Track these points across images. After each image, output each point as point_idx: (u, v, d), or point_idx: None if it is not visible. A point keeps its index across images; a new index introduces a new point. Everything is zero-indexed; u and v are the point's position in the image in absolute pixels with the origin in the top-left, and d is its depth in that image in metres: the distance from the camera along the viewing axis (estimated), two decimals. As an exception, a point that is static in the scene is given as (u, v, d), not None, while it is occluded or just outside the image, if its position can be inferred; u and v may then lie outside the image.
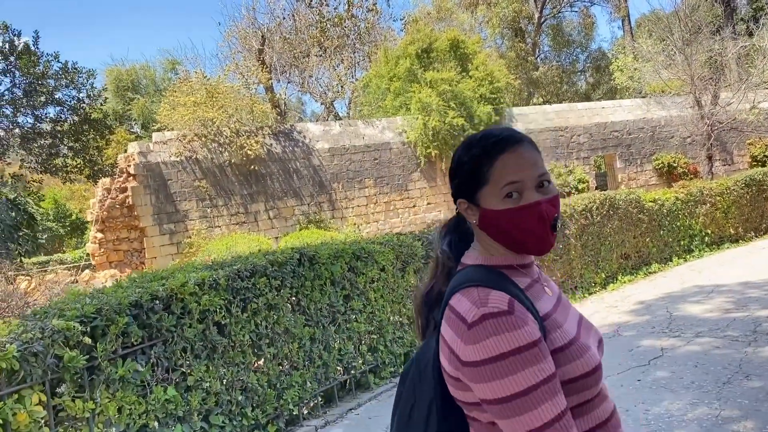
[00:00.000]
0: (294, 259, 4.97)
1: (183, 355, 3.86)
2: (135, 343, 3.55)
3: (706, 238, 11.76)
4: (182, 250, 14.71)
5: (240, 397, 4.26)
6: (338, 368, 5.37)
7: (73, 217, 28.34)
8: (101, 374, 3.29)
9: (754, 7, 39.85)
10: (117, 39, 74.06)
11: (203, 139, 15.11)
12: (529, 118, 19.63)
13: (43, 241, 23.38)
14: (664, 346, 5.66)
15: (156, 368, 3.68)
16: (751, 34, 24.01)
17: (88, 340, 3.21)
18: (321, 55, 23.29)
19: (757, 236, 12.72)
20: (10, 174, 17.28)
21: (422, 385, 1.34)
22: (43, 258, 22.91)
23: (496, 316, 1.15)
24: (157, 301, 3.69)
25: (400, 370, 5.88)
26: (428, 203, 17.61)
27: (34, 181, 17.86)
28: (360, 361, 5.57)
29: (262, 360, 4.58)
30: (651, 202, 10.79)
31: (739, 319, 6.20)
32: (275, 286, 4.73)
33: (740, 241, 12.35)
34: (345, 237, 14.69)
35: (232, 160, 15.18)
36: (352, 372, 5.52)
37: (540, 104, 26.64)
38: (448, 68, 17.99)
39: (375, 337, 5.80)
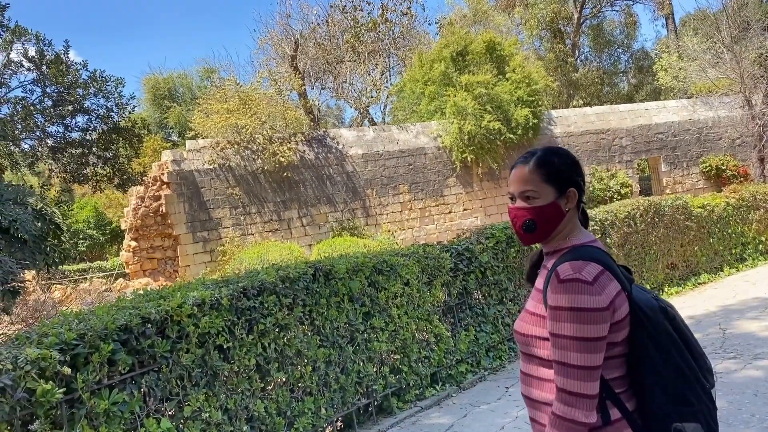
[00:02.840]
0: (308, 274, 4.62)
1: (179, 383, 3.54)
2: (123, 372, 3.24)
3: (761, 246, 11.00)
4: (215, 258, 14.60)
5: (245, 427, 3.92)
6: (358, 392, 4.99)
7: (113, 225, 28.76)
8: (82, 407, 2.99)
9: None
10: (155, 48, 75.53)
11: (236, 146, 15.00)
12: (568, 121, 18.99)
13: (70, 250, 23.71)
14: (718, 369, 5.11)
15: (148, 398, 3.37)
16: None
17: (67, 370, 2.92)
18: (355, 61, 23.06)
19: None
20: (39, 183, 17.51)
21: None
22: (83, 266, 23.23)
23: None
24: (149, 325, 3.38)
25: (427, 392, 5.49)
26: (464, 209, 17.13)
27: (63, 191, 18.06)
28: (381, 384, 5.18)
29: (271, 386, 4.24)
30: (699, 207, 10.12)
31: (804, 340, 5.60)
32: (286, 304, 4.39)
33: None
34: (379, 244, 14.39)
35: (265, 167, 15.02)
36: (373, 396, 5.13)
37: (580, 107, 25.86)
38: (483, 71, 17.51)
39: (398, 357, 5.40)
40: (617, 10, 33.27)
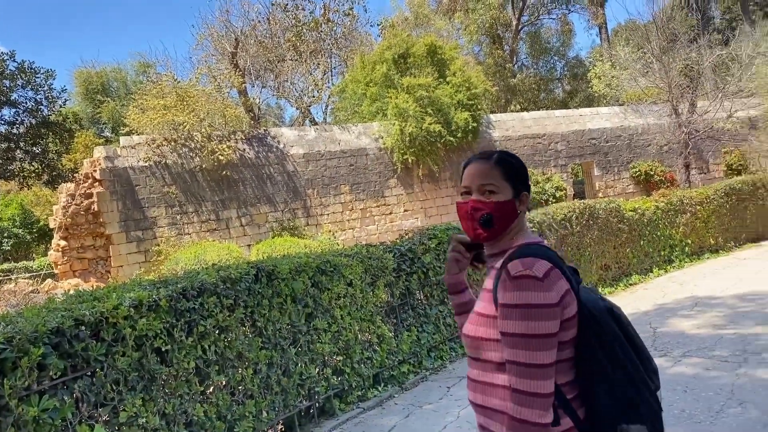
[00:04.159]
0: (250, 275, 4.53)
1: (114, 387, 3.40)
2: (54, 377, 3.09)
3: (687, 248, 11.52)
4: (150, 258, 14.15)
5: (183, 432, 3.80)
6: (300, 394, 4.93)
7: (41, 223, 27.49)
8: (9, 415, 2.83)
9: (728, 18, 40.38)
10: (88, 41, 72.64)
11: (173, 143, 14.59)
12: (506, 125, 19.39)
13: (9, 248, 22.50)
14: (649, 366, 5.30)
15: (81, 404, 3.22)
16: (726, 42, 24.08)
17: (-8, 376, 2.75)
18: (297, 60, 22.85)
19: (737, 246, 12.54)
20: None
21: None
22: (7, 266, 22.08)
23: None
24: (83, 327, 3.23)
25: (369, 393, 5.48)
26: (405, 210, 17.24)
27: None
28: (324, 386, 5.14)
29: (211, 389, 4.13)
30: (631, 211, 10.52)
31: (728, 337, 5.88)
32: (227, 305, 4.28)
33: (720, 251, 12.14)
34: (319, 244, 14.29)
35: (203, 166, 14.68)
36: (315, 398, 5.08)
37: (518, 111, 26.46)
38: (425, 74, 17.67)
39: (341, 358, 5.37)
40: (554, 18, 34.28)
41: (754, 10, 38.33)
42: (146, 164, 14.12)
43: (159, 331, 3.70)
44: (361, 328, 5.63)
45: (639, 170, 20.57)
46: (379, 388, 5.68)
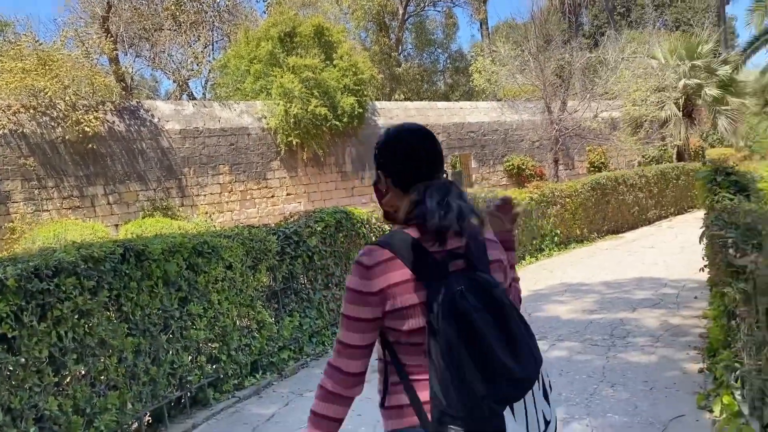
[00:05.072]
0: (116, 254, 4.10)
1: (-54, 381, 2.92)
2: None
3: (556, 238, 12.15)
4: (2, 236, 12.78)
5: (32, 429, 3.36)
6: (171, 384, 4.57)
7: None
8: None
9: (596, 24, 43.34)
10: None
11: (32, 111, 13.22)
12: (391, 113, 19.52)
13: None
14: (526, 351, 5.46)
15: None
16: (596, 44, 25.70)
17: None
18: (175, 30, 21.59)
19: (599, 237, 13.41)
20: None
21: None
22: None
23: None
24: None
25: (246, 382, 5.21)
26: (288, 194, 16.86)
27: None
28: (198, 374, 4.80)
29: (68, 380, 3.69)
30: (508, 201, 10.88)
31: (597, 322, 6.20)
32: (89, 287, 3.84)
33: (585, 241, 12.93)
34: (195, 226, 13.59)
35: (67, 137, 13.44)
36: (188, 387, 4.74)
37: (402, 101, 26.76)
38: (311, 55, 17.31)
39: (217, 345, 5.05)
40: (439, 11, 34.95)
41: (618, 19, 41.40)
42: (0, 132, 12.72)
43: (5, 315, 3.23)
44: (239, 314, 5.33)
45: (512, 164, 21.51)
46: (257, 376, 5.42)
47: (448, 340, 1.48)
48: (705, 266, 4.97)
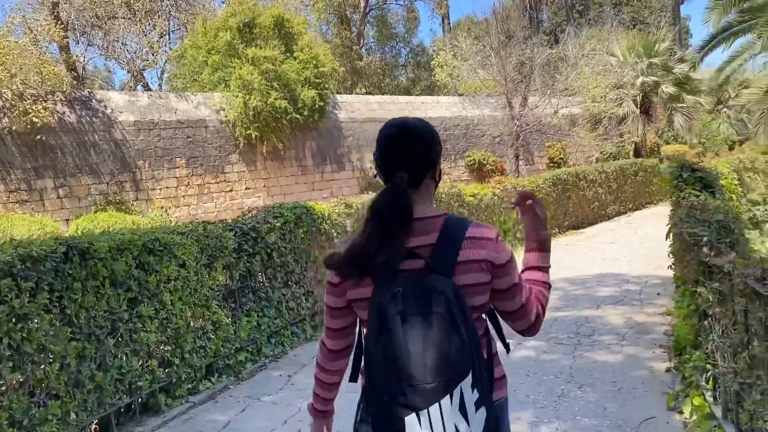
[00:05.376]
0: (58, 253, 3.80)
1: None
2: None
3: (518, 233, 12.13)
4: (-58, 231, 12.12)
5: (-39, 447, 3.07)
6: (119, 390, 4.29)
7: None
8: None
9: (554, 21, 43.89)
10: None
11: (-25, 99, 12.59)
12: (353, 107, 19.28)
13: None
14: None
15: None
16: (556, 41, 25.92)
17: None
18: (130, 18, 20.88)
19: (560, 233, 13.47)
20: None
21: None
22: None
23: None
24: None
25: (201, 386, 4.96)
26: (247, 188, 16.48)
27: None
28: (148, 379, 4.53)
29: (2, 390, 3.40)
30: (471, 196, 10.83)
31: (562, 319, 6.13)
32: (27, 288, 3.55)
33: (547, 237, 12.94)
34: (150, 221, 13.13)
35: (14, 128, 12.82)
36: (138, 393, 4.47)
37: (363, 94, 26.51)
38: (271, 46, 16.93)
39: (170, 348, 4.78)
40: (401, 5, 34.73)
41: (577, 17, 41.97)
42: (-61, 122, 12.05)
43: (-72, 323, 2.93)
44: (194, 314, 5.07)
45: (473, 159, 21.52)
46: (213, 380, 5.17)
47: (369, 340, 1.54)
48: (673, 264, 4.92)
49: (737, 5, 10.73)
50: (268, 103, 15.73)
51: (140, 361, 4.48)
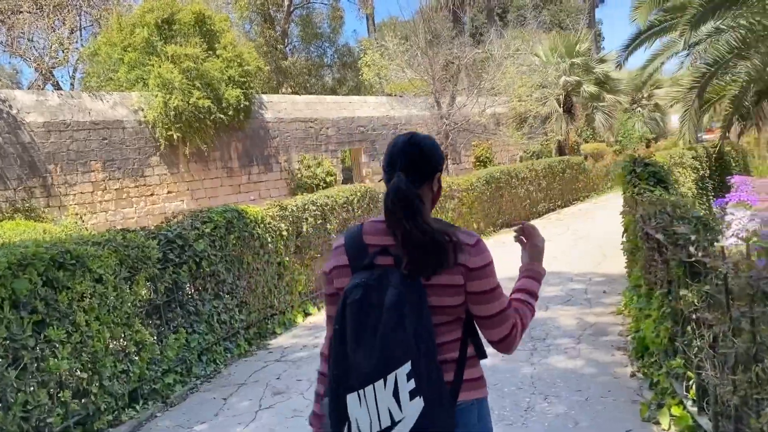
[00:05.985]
0: (-57, 273, 3.20)
1: None
2: None
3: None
4: None
5: None
6: (23, 430, 3.69)
7: None
8: None
9: (474, 24, 44.65)
10: None
11: None
12: (279, 107, 18.72)
13: None
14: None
15: None
16: (478, 43, 26.17)
17: None
18: (36, 13, 19.48)
19: (495, 231, 13.43)
20: None
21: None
22: None
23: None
24: None
25: (123, 416, 4.41)
26: (169, 192, 15.61)
27: None
28: (60, 414, 3.95)
29: None
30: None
31: (512, 323, 5.89)
32: None
33: (482, 235, 12.85)
34: (64, 229, 12.14)
35: None
36: (47, 431, 3.87)
37: (289, 94, 25.89)
38: (192, 44, 16.12)
39: (86, 376, 4.20)
40: (326, 4, 34.26)
41: (497, 20, 42.78)
42: None
43: None
44: (113, 335, 4.50)
45: (406, 158, 21.34)
46: (137, 407, 4.61)
47: (334, 325, 1.66)
48: (626, 263, 4.76)
49: (660, 5, 10.92)
50: (191, 102, 14.96)
51: (50, 394, 3.89)
